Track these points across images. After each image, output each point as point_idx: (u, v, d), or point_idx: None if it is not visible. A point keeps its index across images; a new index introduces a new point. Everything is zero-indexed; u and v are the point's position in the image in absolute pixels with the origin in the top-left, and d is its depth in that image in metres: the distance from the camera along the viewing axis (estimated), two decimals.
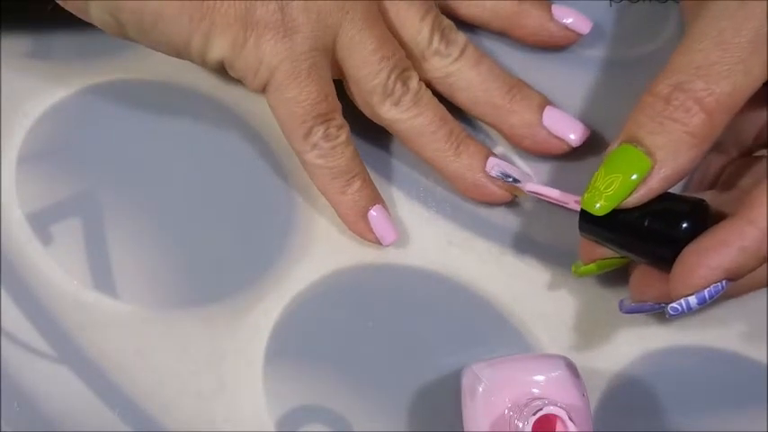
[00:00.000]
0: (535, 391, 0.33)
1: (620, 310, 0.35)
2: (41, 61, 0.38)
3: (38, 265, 0.37)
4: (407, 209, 0.38)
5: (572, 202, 0.34)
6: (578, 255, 0.35)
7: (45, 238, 0.37)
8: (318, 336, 0.37)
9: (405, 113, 0.35)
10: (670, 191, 0.31)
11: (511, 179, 0.36)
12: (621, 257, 0.33)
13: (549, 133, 0.36)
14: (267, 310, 0.37)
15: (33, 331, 0.37)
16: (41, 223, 0.37)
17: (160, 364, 0.37)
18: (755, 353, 0.37)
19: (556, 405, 0.31)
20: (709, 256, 0.29)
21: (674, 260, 0.30)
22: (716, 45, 0.29)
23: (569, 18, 0.37)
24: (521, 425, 0.31)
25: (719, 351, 0.37)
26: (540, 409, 0.30)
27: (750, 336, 0.37)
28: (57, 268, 0.37)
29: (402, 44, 0.35)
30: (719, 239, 0.29)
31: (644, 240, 0.31)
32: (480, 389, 0.33)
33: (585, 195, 0.31)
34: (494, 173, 0.36)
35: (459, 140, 0.36)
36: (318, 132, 0.34)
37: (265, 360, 0.37)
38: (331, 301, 0.37)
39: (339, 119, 0.35)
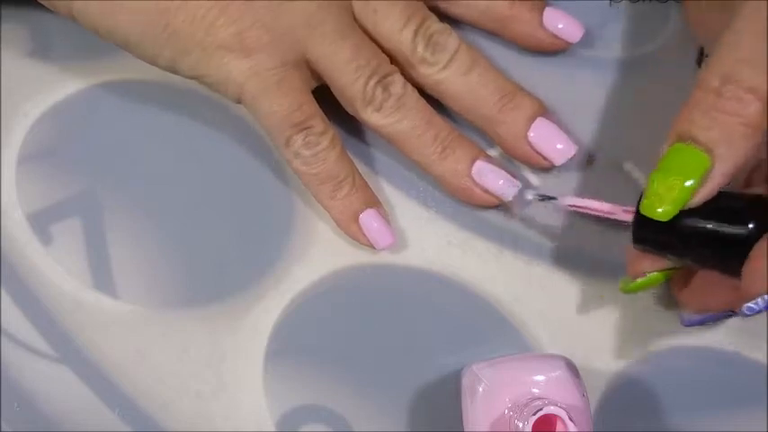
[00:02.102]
0: (535, 391, 0.33)
1: (682, 323, 0.34)
2: (41, 61, 0.38)
3: (38, 265, 0.37)
4: (406, 209, 0.38)
5: (620, 212, 0.32)
6: (627, 271, 0.33)
7: (45, 238, 0.37)
8: (318, 336, 0.37)
9: (387, 119, 0.35)
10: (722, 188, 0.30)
11: (545, 198, 0.35)
12: (676, 267, 0.32)
13: (532, 149, 0.35)
14: (267, 310, 0.37)
15: (33, 331, 0.37)
16: (41, 223, 0.37)
17: (160, 364, 0.37)
18: (755, 353, 0.37)
19: (556, 405, 0.31)
20: None
21: (742, 262, 0.29)
22: (758, 37, 0.28)
23: (561, 23, 0.36)
24: (521, 425, 0.31)
25: (719, 351, 0.37)
26: (540, 409, 0.30)
27: (750, 336, 0.37)
28: (57, 268, 0.37)
29: (389, 51, 0.35)
30: None
31: (708, 244, 0.30)
32: (480, 389, 0.33)
33: (644, 202, 0.30)
34: (529, 196, 0.35)
35: (444, 144, 0.35)
36: (297, 141, 0.34)
37: (265, 360, 0.37)
38: (331, 300, 0.37)
39: (319, 125, 0.35)
